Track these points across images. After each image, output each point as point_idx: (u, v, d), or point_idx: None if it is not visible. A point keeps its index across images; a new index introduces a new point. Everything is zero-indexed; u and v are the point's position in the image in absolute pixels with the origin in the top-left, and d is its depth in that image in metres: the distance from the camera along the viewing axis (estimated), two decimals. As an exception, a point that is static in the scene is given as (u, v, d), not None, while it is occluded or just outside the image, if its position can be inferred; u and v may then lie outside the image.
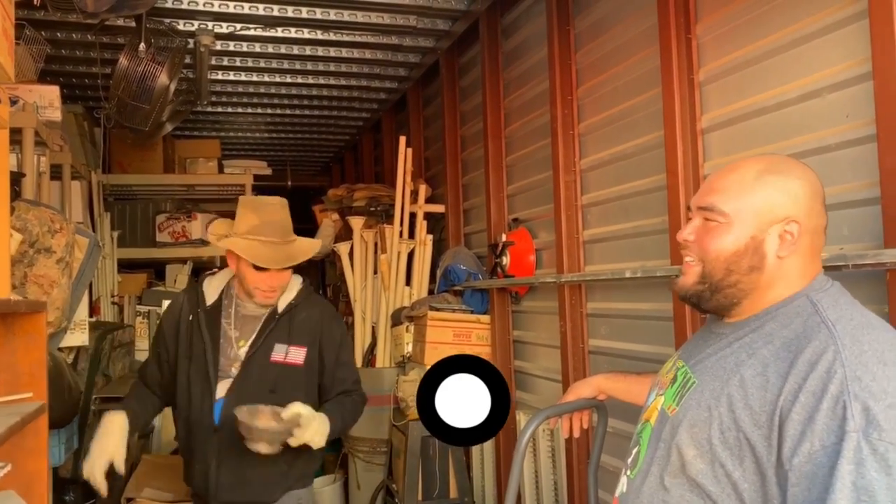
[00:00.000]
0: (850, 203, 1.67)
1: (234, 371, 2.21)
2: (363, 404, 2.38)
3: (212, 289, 2.33)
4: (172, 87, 3.21)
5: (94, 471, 2.01)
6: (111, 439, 2.06)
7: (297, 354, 2.24)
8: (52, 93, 2.72)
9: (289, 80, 4.86)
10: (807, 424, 0.99)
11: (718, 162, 2.19)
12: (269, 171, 6.42)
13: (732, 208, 1.17)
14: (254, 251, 2.15)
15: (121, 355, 3.36)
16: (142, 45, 2.78)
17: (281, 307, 2.28)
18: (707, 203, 1.20)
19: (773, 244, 1.15)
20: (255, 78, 4.82)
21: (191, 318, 2.28)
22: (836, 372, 0.99)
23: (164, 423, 3.65)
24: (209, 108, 5.52)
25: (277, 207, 2.27)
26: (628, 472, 1.28)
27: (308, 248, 2.29)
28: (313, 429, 2.03)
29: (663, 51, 2.31)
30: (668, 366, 1.34)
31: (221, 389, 2.20)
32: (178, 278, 4.20)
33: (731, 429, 1.08)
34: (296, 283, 2.34)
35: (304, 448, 2.07)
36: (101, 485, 2.01)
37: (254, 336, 2.23)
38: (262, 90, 5.09)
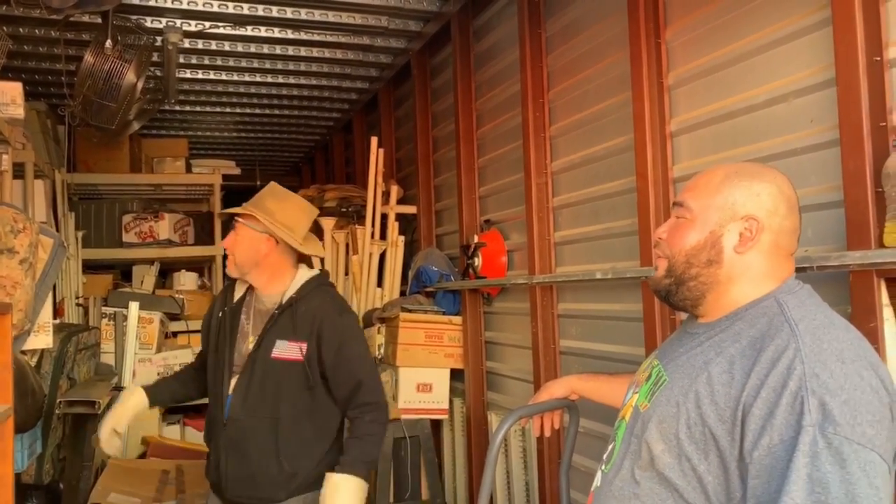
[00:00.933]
0: (815, 206, 1.71)
1: (239, 368, 2.24)
2: (381, 423, 2.20)
3: (241, 284, 2.35)
4: (140, 86, 3.16)
5: (102, 434, 2.30)
6: (118, 409, 2.34)
7: (295, 350, 2.17)
8: (14, 89, 2.65)
9: (258, 79, 4.81)
10: (767, 419, 1.02)
11: (687, 165, 2.23)
12: (237, 171, 6.35)
13: (698, 205, 1.24)
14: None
15: (86, 358, 3.29)
16: (108, 42, 2.73)
17: (283, 301, 2.24)
18: (679, 199, 1.28)
19: (731, 240, 1.20)
20: (224, 77, 4.77)
21: (220, 314, 2.32)
22: (795, 368, 1.03)
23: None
24: (177, 108, 5.44)
25: (270, 186, 2.35)
26: (603, 467, 1.31)
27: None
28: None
29: (633, 55, 2.34)
30: (645, 364, 1.37)
31: (232, 385, 2.22)
32: (146, 279, 4.13)
33: (698, 424, 1.11)
34: (303, 276, 2.29)
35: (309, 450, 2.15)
36: (105, 443, 2.31)
37: (259, 332, 2.23)
38: (230, 89, 5.03)
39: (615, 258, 2.58)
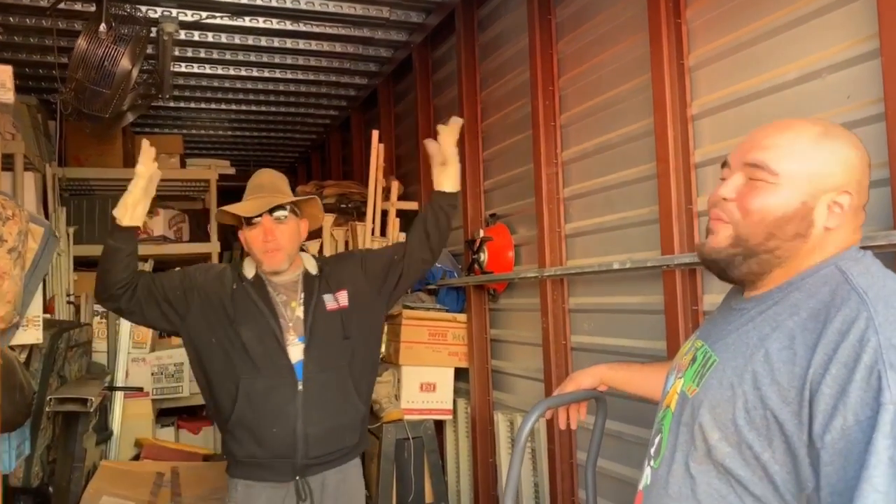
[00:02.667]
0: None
1: (295, 334, 2.22)
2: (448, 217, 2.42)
3: (249, 266, 2.32)
4: (135, 73, 3.05)
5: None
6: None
7: (343, 298, 2.29)
8: (3, 73, 2.52)
9: (255, 73, 4.71)
10: (839, 398, 0.92)
11: (710, 149, 2.14)
12: (232, 171, 6.23)
13: (785, 168, 1.09)
14: (237, 206, 2.23)
15: (77, 356, 3.17)
16: (102, 26, 2.62)
17: (312, 271, 2.33)
18: (757, 159, 1.11)
19: (823, 214, 1.08)
20: (219, 71, 4.65)
21: (234, 286, 2.25)
22: (869, 340, 0.92)
23: (123, 431, 3.47)
24: (171, 104, 5.33)
25: (266, 172, 2.38)
26: (652, 463, 1.19)
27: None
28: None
29: (652, 36, 2.25)
30: (686, 347, 1.26)
31: (295, 351, 2.19)
32: (139, 277, 4.02)
33: (758, 407, 1.00)
34: (312, 258, 2.42)
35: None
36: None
37: (302, 296, 2.27)
38: (226, 84, 4.92)
39: (631, 249, 2.49)
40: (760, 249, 1.10)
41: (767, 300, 1.10)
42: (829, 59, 1.74)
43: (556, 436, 2.77)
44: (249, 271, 2.29)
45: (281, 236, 2.20)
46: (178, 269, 2.39)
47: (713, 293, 2.11)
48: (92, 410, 2.61)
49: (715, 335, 1.17)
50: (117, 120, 3.54)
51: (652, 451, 1.21)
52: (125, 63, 2.80)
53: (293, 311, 2.24)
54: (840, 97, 1.72)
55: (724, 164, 1.18)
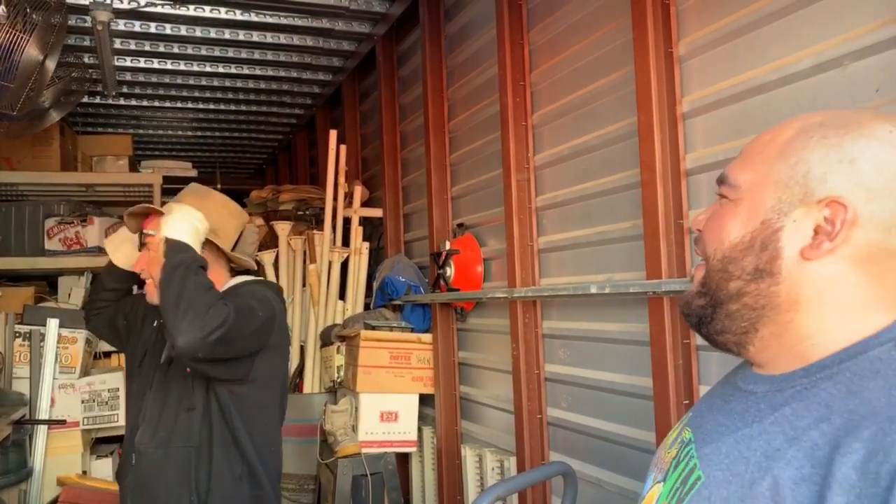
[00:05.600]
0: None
1: None
2: (223, 307, 1.63)
3: None
4: (51, 66, 2.67)
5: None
6: None
7: None
8: None
9: (209, 69, 4.34)
10: None
11: (703, 153, 1.81)
12: (194, 173, 5.85)
13: (747, 179, 0.75)
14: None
15: (-11, 386, 2.80)
16: (1, 9, 2.26)
17: None
18: (722, 173, 0.79)
19: (797, 237, 0.71)
20: (170, 66, 4.28)
21: (155, 324, 1.96)
22: None
23: (48, 467, 3.09)
24: (122, 101, 4.97)
25: (192, 186, 2.01)
26: None
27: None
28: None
29: (636, 21, 1.92)
30: (674, 434, 0.89)
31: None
32: (73, 291, 3.62)
33: None
34: (234, 281, 1.94)
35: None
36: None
37: None
38: (179, 81, 4.55)
39: (612, 268, 2.15)
40: (723, 296, 0.75)
41: (784, 386, 0.72)
42: (853, 43, 1.41)
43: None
44: None
45: (150, 261, 1.78)
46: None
47: (708, 324, 1.78)
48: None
49: (707, 430, 0.79)
50: (40, 119, 3.16)
51: None
52: (32, 52, 2.43)
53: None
54: (867, 90, 1.39)
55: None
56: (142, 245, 1.83)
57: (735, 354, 0.79)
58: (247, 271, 2.06)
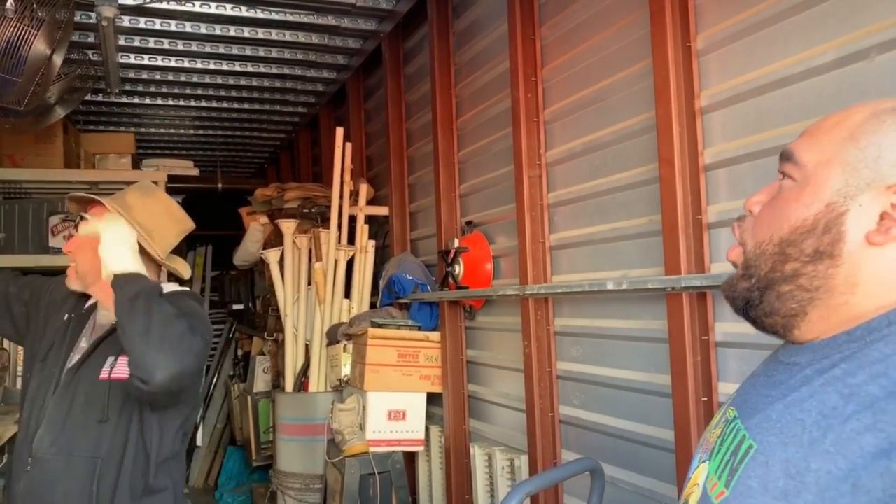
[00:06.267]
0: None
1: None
2: (190, 335, 1.56)
3: None
4: (58, 61, 2.65)
5: None
6: None
7: (123, 366, 1.65)
8: None
9: (213, 66, 4.32)
10: None
11: (722, 148, 1.79)
12: (195, 172, 5.81)
13: (813, 158, 0.74)
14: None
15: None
16: (9, 3, 2.24)
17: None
18: (787, 149, 0.77)
19: (863, 221, 0.71)
20: (173, 63, 4.26)
21: (67, 317, 1.81)
22: None
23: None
24: (124, 99, 4.94)
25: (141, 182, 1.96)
26: None
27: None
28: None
29: (654, 14, 1.90)
30: (717, 417, 0.88)
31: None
32: (77, 290, 3.60)
33: None
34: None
35: None
36: None
37: (89, 346, 1.74)
38: (183, 78, 4.53)
39: (627, 265, 2.13)
40: (775, 278, 0.74)
41: (830, 351, 0.72)
42: (881, 34, 1.40)
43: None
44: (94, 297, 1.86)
45: (75, 247, 1.76)
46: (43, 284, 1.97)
47: (726, 321, 1.77)
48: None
49: (752, 403, 0.78)
50: (45, 115, 3.13)
51: None
52: (40, 46, 2.40)
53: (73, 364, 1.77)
54: (894, 82, 1.37)
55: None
56: (75, 229, 1.81)
57: (780, 337, 0.79)
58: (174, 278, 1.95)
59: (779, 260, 0.74)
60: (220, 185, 7.11)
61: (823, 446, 0.65)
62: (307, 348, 3.74)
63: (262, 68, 4.40)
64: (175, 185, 4.65)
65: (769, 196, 0.79)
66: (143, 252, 1.72)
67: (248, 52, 4.11)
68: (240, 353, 5.93)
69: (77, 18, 3.41)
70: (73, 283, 1.77)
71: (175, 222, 1.84)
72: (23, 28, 2.31)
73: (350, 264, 3.72)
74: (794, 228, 0.74)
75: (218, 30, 3.79)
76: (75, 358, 1.72)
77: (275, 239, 4.01)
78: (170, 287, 1.82)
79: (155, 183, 4.11)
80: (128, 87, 4.71)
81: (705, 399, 1.76)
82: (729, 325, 1.76)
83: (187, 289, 1.89)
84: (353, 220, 3.81)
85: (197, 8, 3.50)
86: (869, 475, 0.61)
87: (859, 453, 0.62)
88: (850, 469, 0.63)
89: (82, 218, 1.77)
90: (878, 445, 0.62)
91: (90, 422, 1.64)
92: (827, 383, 0.69)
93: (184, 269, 1.87)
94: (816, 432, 0.66)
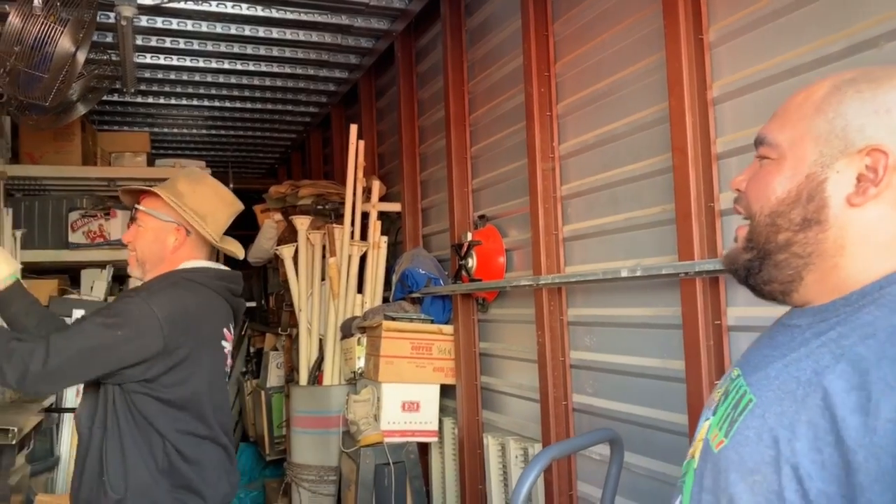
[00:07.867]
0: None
1: None
2: (29, 353, 1.57)
3: None
4: (81, 59, 2.71)
5: None
6: None
7: None
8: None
9: (227, 66, 4.38)
10: None
11: (734, 138, 1.84)
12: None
13: (787, 137, 0.81)
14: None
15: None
16: (37, 1, 2.30)
17: None
18: (759, 134, 0.85)
19: (842, 186, 0.77)
20: (188, 63, 4.33)
21: None
22: None
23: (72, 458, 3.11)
24: (139, 98, 5.01)
25: (187, 170, 2.08)
26: None
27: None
28: None
29: (666, 8, 1.95)
30: (723, 379, 0.94)
31: None
32: (96, 284, 3.66)
33: (818, 478, 0.68)
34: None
35: None
36: None
37: None
38: (197, 78, 4.60)
39: (640, 253, 2.18)
40: (772, 248, 0.81)
41: (827, 314, 0.77)
42: (890, 22, 1.44)
43: (552, 465, 2.45)
44: None
45: (134, 236, 1.86)
46: None
47: (738, 305, 1.81)
48: (14, 443, 2.26)
49: (754, 362, 0.84)
50: (67, 112, 3.20)
51: None
52: (65, 44, 2.46)
53: None
54: (903, 69, 1.42)
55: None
56: (132, 220, 1.89)
57: (780, 302, 0.85)
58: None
59: (771, 231, 0.81)
60: (231, 185, 7.17)
61: (814, 401, 0.70)
62: (321, 342, 3.79)
63: (274, 68, 4.46)
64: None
65: (749, 176, 0.86)
66: (198, 235, 1.83)
67: (262, 51, 4.18)
68: (252, 349, 5.99)
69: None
70: (136, 271, 1.88)
71: (226, 205, 1.92)
72: (49, 25, 2.37)
73: (363, 260, 3.78)
74: (780, 200, 0.80)
75: (233, 29, 3.86)
76: None
77: (288, 235, 4.07)
78: (191, 264, 1.86)
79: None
80: (143, 87, 4.79)
81: (718, 382, 1.80)
82: (741, 310, 1.80)
83: (214, 265, 1.91)
84: (365, 216, 3.87)
85: (214, 7, 3.56)
86: (846, 427, 0.67)
87: (836, 395, 0.68)
88: (827, 402, 0.69)
89: (136, 209, 1.85)
90: (859, 403, 0.66)
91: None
92: (822, 345, 0.74)
93: (237, 250, 1.96)
94: (809, 388, 0.72)
